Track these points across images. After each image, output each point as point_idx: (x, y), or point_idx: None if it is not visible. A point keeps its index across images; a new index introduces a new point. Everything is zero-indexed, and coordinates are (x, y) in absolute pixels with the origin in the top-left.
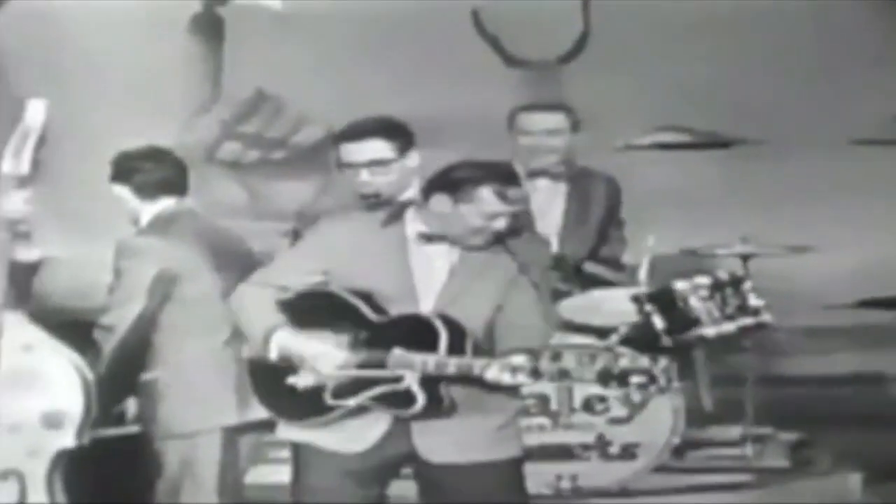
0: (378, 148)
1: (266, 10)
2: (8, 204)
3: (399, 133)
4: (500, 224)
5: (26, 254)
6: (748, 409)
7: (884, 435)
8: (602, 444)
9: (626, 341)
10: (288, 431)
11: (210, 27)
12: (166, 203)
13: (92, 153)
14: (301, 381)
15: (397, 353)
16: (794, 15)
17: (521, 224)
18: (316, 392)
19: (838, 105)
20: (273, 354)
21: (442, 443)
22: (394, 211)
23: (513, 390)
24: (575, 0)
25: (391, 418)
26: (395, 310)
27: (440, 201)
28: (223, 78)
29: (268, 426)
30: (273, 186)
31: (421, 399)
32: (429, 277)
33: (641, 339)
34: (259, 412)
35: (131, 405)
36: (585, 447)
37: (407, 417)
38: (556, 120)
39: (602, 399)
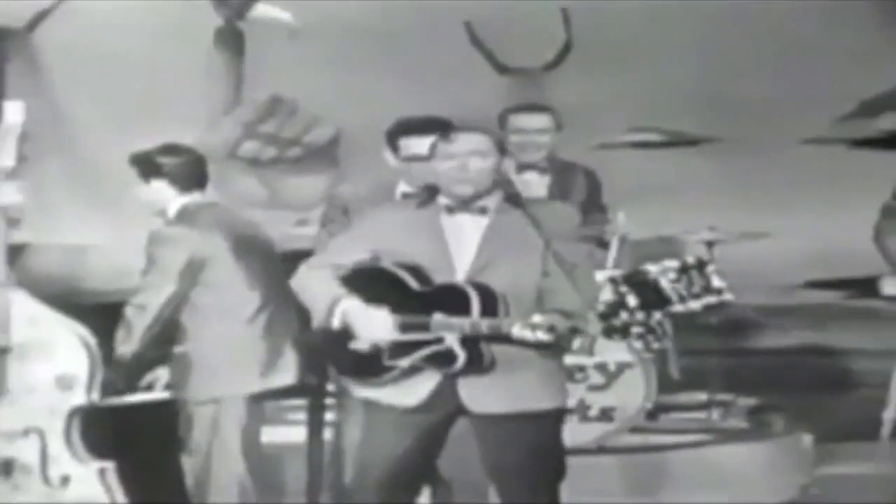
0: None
1: (280, 24)
2: (4, 195)
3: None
4: (466, 173)
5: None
6: (712, 378)
7: (831, 400)
8: (583, 408)
9: (601, 317)
10: (359, 391)
11: (231, 39)
12: (193, 196)
13: (125, 149)
14: (360, 345)
15: (438, 317)
16: (752, 28)
17: (511, 189)
18: (376, 356)
19: (790, 108)
20: (336, 322)
21: (483, 395)
22: (427, 193)
23: (554, 348)
24: (557, 15)
25: (441, 376)
26: (437, 279)
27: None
28: (243, 84)
29: (285, 393)
30: (287, 181)
31: (462, 357)
32: (462, 249)
33: (616, 313)
34: (279, 381)
35: (163, 374)
36: (568, 411)
37: (452, 374)
38: (543, 120)
39: (582, 369)
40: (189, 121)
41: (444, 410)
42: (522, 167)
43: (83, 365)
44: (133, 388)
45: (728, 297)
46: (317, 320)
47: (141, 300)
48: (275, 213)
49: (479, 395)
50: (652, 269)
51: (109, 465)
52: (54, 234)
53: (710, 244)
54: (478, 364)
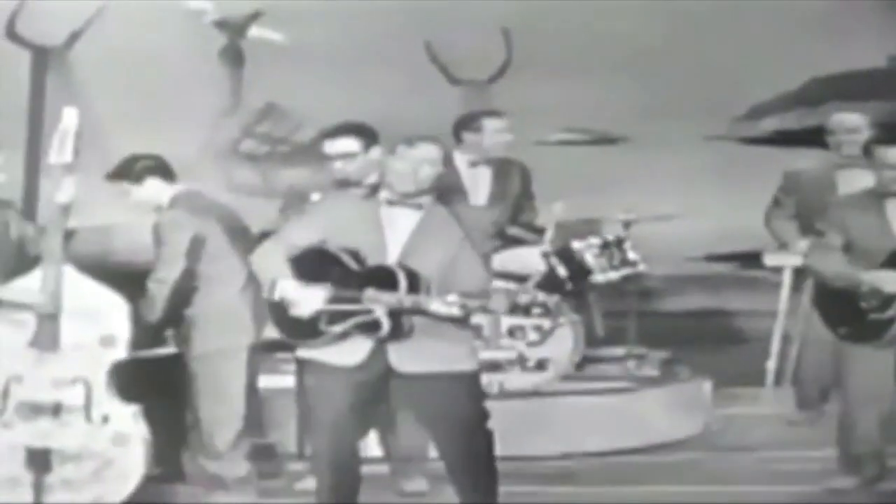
0: (347, 144)
1: (273, 43)
2: (62, 190)
3: (364, 133)
4: (428, 172)
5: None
6: (629, 335)
7: (726, 353)
8: (522, 360)
9: (538, 286)
10: (303, 352)
11: (233, 56)
12: (176, 187)
13: (144, 146)
14: (296, 313)
15: (369, 292)
16: (663, 46)
17: (446, 186)
18: (314, 321)
19: (694, 111)
20: (276, 297)
21: (408, 358)
22: (370, 187)
23: (463, 321)
24: (500, 35)
25: (373, 341)
26: (372, 261)
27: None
28: (243, 92)
29: (278, 347)
30: (279, 173)
31: (386, 325)
32: (395, 236)
33: (549, 284)
34: (270, 333)
35: (170, 333)
36: (510, 362)
37: (378, 340)
38: (504, 123)
39: (521, 328)
40: (197, 123)
41: (378, 370)
42: (473, 163)
43: (123, 327)
44: (156, 346)
45: (642, 268)
46: (264, 292)
47: (159, 276)
48: (269, 201)
49: (404, 358)
50: (578, 245)
51: (139, 409)
52: (83, 216)
53: (626, 224)
54: (399, 332)
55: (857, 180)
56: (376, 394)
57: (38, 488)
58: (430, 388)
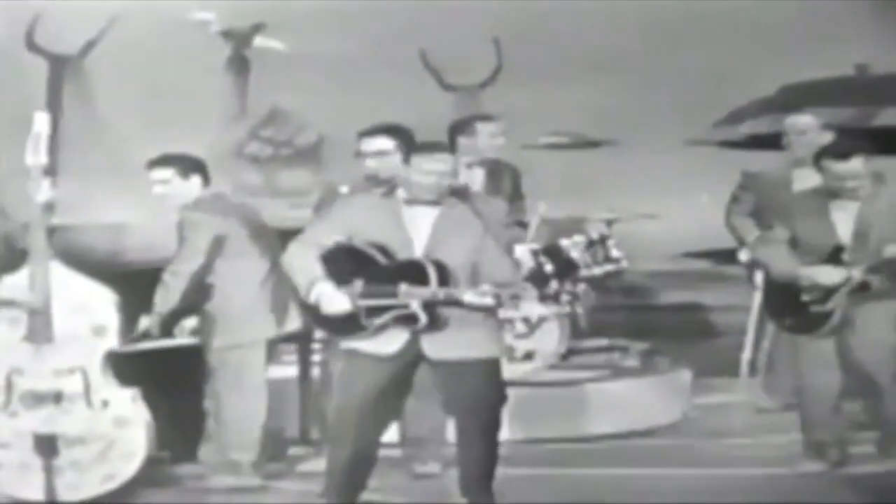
0: (383, 143)
1: (276, 52)
2: (41, 189)
3: (399, 133)
4: (441, 181)
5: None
6: (612, 328)
7: (703, 346)
8: (510, 352)
9: (527, 280)
10: (347, 343)
11: (239, 64)
12: (203, 188)
13: (155, 150)
14: (329, 312)
15: (404, 287)
16: (643, 54)
17: (463, 187)
18: (354, 317)
19: (674, 116)
20: (312, 299)
21: (440, 346)
22: (389, 187)
23: (490, 310)
24: (490, 44)
25: (408, 332)
26: (400, 256)
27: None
28: (248, 99)
29: (283, 339)
30: (282, 174)
31: (423, 318)
32: (418, 232)
33: (537, 279)
34: (289, 327)
35: (188, 325)
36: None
37: (416, 331)
38: (498, 127)
39: (510, 321)
40: (205, 127)
41: (411, 358)
42: (469, 165)
43: (113, 317)
44: (167, 335)
45: (624, 264)
46: (301, 292)
47: (176, 268)
48: (272, 200)
49: (436, 346)
50: (564, 242)
51: (138, 392)
52: (97, 216)
53: (609, 223)
54: (436, 323)
55: (811, 179)
56: (406, 380)
57: (49, 471)
58: (459, 372)
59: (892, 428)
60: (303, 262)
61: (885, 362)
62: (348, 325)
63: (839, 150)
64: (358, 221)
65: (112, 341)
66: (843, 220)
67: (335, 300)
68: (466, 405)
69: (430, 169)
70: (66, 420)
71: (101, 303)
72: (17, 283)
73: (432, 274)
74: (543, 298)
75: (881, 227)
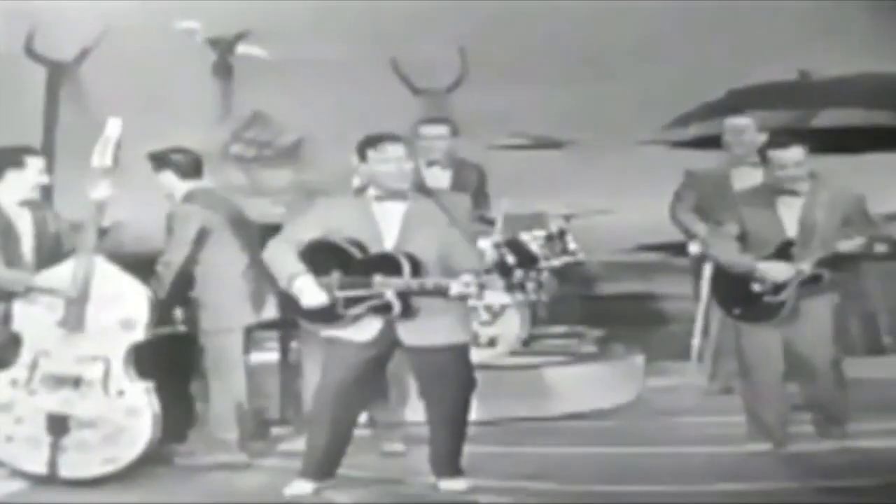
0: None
1: (259, 59)
2: (98, 189)
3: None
4: (402, 166)
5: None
6: (570, 315)
7: (656, 331)
8: (475, 338)
9: (490, 271)
10: (327, 332)
11: (223, 70)
12: (193, 183)
13: (145, 150)
14: (307, 305)
15: (378, 278)
16: (601, 61)
17: (428, 185)
18: (333, 308)
19: (628, 118)
20: (293, 291)
21: (414, 333)
22: (360, 186)
23: (462, 299)
24: (456, 52)
25: (383, 320)
26: (373, 250)
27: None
28: (232, 102)
29: (265, 326)
30: (264, 173)
31: (398, 306)
32: (388, 227)
33: (499, 271)
34: (266, 315)
35: (179, 313)
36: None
37: (391, 319)
38: (443, 129)
39: (474, 309)
40: (192, 129)
41: (386, 344)
42: (429, 163)
43: (143, 312)
44: (161, 324)
45: (581, 256)
46: (281, 286)
47: (167, 259)
48: (255, 199)
49: (411, 333)
50: (525, 236)
51: (151, 385)
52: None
53: (568, 218)
54: (408, 312)
55: (748, 177)
56: (381, 365)
57: (55, 448)
58: (432, 358)
59: (827, 411)
60: (283, 257)
61: (824, 350)
62: (326, 315)
63: (781, 140)
64: (333, 219)
65: (139, 335)
66: (789, 216)
67: (314, 294)
68: (439, 389)
69: (386, 157)
70: (82, 404)
71: (134, 298)
72: (59, 273)
73: (405, 265)
74: (510, 288)
75: (824, 222)
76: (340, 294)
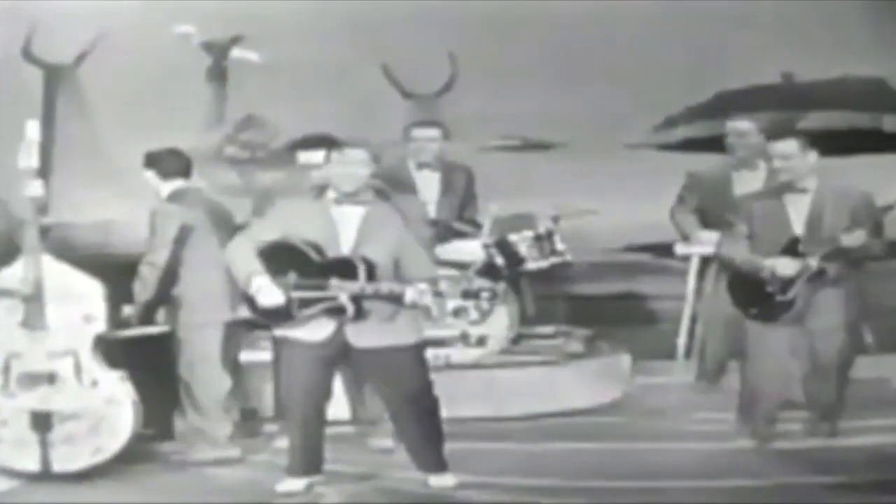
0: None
1: (252, 63)
2: (32, 189)
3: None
4: (359, 171)
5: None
6: (558, 315)
7: (642, 331)
8: (464, 337)
9: (479, 272)
10: (278, 331)
11: (218, 74)
12: (179, 182)
13: (142, 152)
14: (264, 304)
15: (334, 281)
16: (590, 63)
17: (400, 183)
18: (288, 308)
19: (616, 121)
20: (251, 290)
21: (363, 335)
22: (319, 189)
23: (398, 299)
24: (446, 57)
25: (336, 322)
26: (329, 253)
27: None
28: (226, 105)
29: (256, 325)
30: (257, 175)
31: (350, 309)
32: (346, 230)
33: (488, 271)
34: (243, 314)
35: (160, 312)
36: (454, 339)
37: (343, 322)
38: (434, 132)
39: (464, 309)
40: (187, 131)
41: (338, 346)
42: (420, 165)
43: (101, 306)
44: (146, 323)
45: (569, 257)
46: (239, 285)
47: (150, 259)
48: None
49: (359, 335)
50: (513, 237)
51: (125, 374)
52: (86, 214)
53: (555, 219)
54: (360, 314)
55: (750, 180)
56: (334, 365)
57: (44, 444)
58: (381, 359)
59: (823, 408)
60: (242, 256)
61: (835, 346)
62: (281, 315)
63: (777, 132)
64: (292, 221)
65: (100, 327)
66: (797, 213)
67: (270, 293)
68: (391, 389)
69: (344, 160)
70: (60, 398)
71: (90, 293)
72: (12, 274)
73: (361, 270)
74: (466, 296)
75: (831, 219)
76: (296, 295)
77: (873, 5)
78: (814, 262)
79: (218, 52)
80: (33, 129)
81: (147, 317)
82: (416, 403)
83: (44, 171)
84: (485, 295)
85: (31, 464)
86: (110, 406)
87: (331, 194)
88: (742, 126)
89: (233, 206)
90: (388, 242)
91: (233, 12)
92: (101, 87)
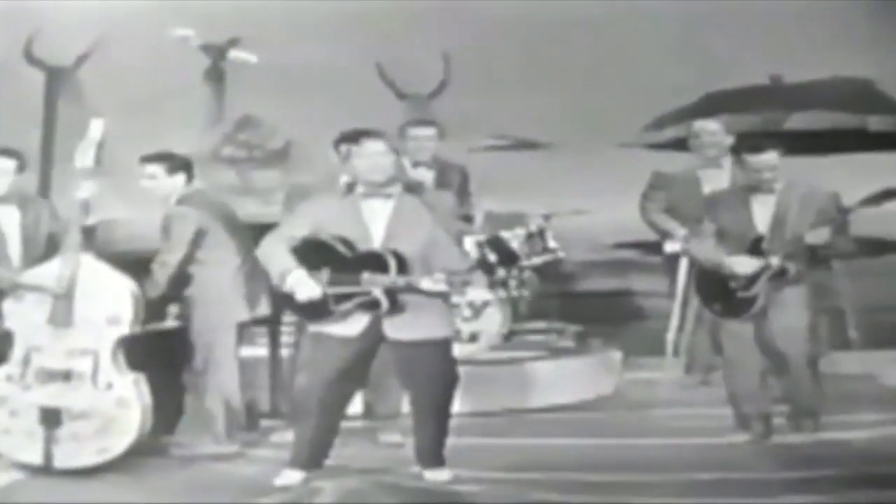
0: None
1: (249, 64)
2: (82, 189)
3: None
4: (382, 161)
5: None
6: (550, 311)
7: (632, 327)
8: (457, 334)
9: (473, 269)
10: (314, 326)
11: (216, 75)
12: (183, 179)
13: (141, 152)
14: (301, 298)
15: (366, 275)
16: (580, 64)
17: (416, 183)
18: (323, 303)
19: (609, 119)
20: (287, 287)
21: (399, 327)
22: (348, 186)
23: (443, 295)
24: (439, 58)
25: (370, 315)
26: (360, 248)
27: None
28: (224, 105)
29: (256, 322)
30: (255, 174)
31: (385, 303)
32: (375, 225)
33: (481, 268)
34: (259, 312)
35: (173, 309)
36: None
37: (378, 315)
38: (430, 131)
39: (457, 306)
40: (186, 132)
41: (372, 339)
42: (415, 164)
43: (128, 308)
44: (156, 320)
45: (560, 255)
46: (274, 281)
47: (163, 259)
48: (246, 198)
49: (396, 328)
50: (505, 234)
51: (141, 377)
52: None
53: (547, 217)
54: (395, 307)
55: (717, 178)
56: (366, 359)
57: (49, 440)
58: (415, 352)
59: (801, 404)
60: (276, 253)
61: (798, 343)
62: (317, 310)
63: (756, 145)
64: (323, 217)
65: (124, 329)
66: (762, 213)
67: (308, 287)
68: (422, 382)
69: (363, 153)
70: (72, 396)
71: (121, 294)
72: (46, 271)
73: (392, 263)
74: (492, 285)
75: (796, 218)
76: (330, 290)
77: (860, 8)
78: (775, 261)
79: (216, 54)
80: (97, 128)
81: (155, 314)
82: (440, 397)
83: (44, 172)
84: (512, 283)
85: (35, 457)
86: (120, 409)
87: (359, 189)
88: (709, 126)
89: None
90: (418, 236)
91: (230, 15)
92: (101, 88)
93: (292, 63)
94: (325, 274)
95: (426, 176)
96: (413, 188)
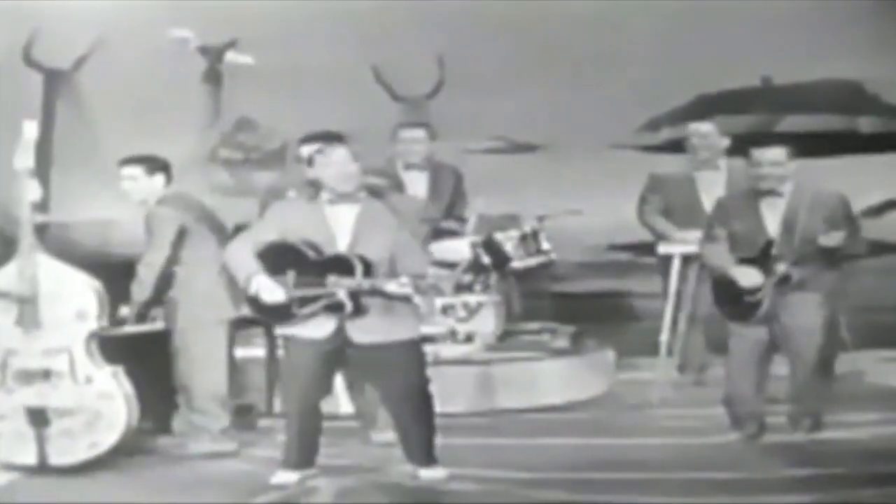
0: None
1: (246, 66)
2: (28, 190)
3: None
4: (344, 169)
5: (41, 219)
6: (544, 312)
7: (625, 327)
8: (452, 334)
9: (465, 271)
10: (281, 329)
11: (213, 77)
12: (163, 180)
13: (139, 153)
14: (267, 301)
15: (331, 278)
16: (573, 68)
17: (380, 187)
18: (287, 306)
19: (603, 121)
20: (251, 291)
21: (363, 331)
22: (313, 190)
23: (407, 298)
24: (434, 60)
25: (337, 319)
26: (326, 252)
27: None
28: (221, 107)
29: (251, 323)
30: (251, 175)
31: (349, 305)
32: (341, 229)
33: (475, 270)
34: (245, 311)
35: (158, 313)
36: (443, 335)
37: (343, 318)
38: (420, 133)
39: (452, 306)
40: (184, 133)
41: (339, 342)
42: (408, 166)
43: (93, 303)
44: (142, 322)
45: (554, 256)
46: (240, 285)
47: (148, 260)
48: (242, 199)
49: (361, 331)
50: (499, 236)
51: (119, 369)
52: (86, 213)
53: (541, 219)
54: (359, 310)
55: (712, 180)
56: (336, 361)
57: (41, 439)
58: (381, 355)
59: (806, 404)
60: (241, 257)
61: (811, 344)
62: (282, 313)
63: (764, 140)
64: (289, 222)
65: (92, 324)
66: (772, 216)
67: (271, 291)
68: (389, 384)
69: (328, 161)
70: (55, 394)
71: (83, 290)
72: (6, 274)
73: (357, 266)
74: (459, 289)
75: (805, 222)
76: (296, 293)
77: (851, 9)
78: (780, 269)
79: (213, 56)
80: (30, 129)
81: (143, 316)
82: (413, 397)
83: (43, 172)
84: (477, 287)
85: (29, 458)
86: (103, 401)
87: (325, 195)
88: (703, 128)
89: (227, 206)
90: (383, 239)
91: (228, 17)
92: (99, 90)
93: (290, 65)
94: (292, 276)
95: (419, 178)
96: (377, 192)
